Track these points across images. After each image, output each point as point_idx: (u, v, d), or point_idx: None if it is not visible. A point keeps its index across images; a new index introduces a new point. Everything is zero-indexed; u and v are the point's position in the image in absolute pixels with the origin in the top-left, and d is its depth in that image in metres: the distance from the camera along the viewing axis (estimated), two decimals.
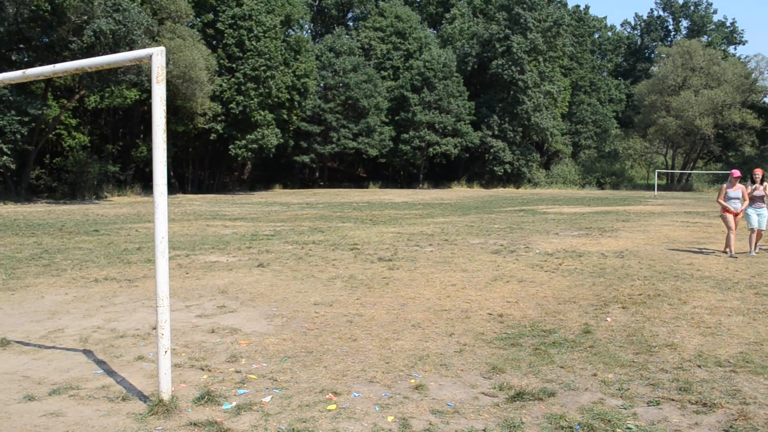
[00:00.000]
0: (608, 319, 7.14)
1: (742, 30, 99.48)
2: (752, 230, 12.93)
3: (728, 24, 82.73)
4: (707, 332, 6.59)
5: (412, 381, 5.07)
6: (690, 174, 64.63)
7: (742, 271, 10.71)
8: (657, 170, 60.88)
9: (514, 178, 60.35)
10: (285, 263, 11.19)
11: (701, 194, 53.20)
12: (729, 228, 12.62)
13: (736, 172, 12.73)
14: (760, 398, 4.72)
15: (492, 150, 58.33)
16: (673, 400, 4.70)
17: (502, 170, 58.88)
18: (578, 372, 5.31)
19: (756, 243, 12.96)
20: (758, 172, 13.14)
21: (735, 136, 64.31)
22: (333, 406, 4.53)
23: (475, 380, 5.12)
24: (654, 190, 53.78)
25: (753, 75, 65.61)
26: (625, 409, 4.53)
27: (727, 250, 12.66)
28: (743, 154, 64.69)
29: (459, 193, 49.54)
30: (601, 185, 62.61)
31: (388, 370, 5.33)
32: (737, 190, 12.74)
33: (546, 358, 5.67)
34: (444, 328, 6.74)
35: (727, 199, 12.72)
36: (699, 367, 5.47)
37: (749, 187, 12.96)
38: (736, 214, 12.61)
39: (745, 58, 74.29)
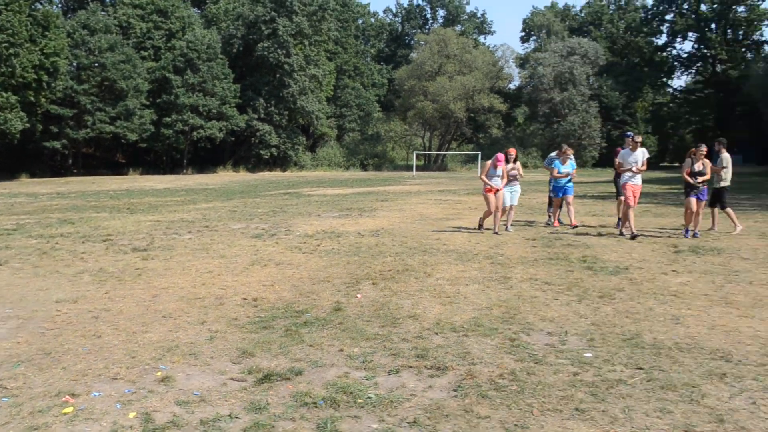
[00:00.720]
0: (359, 295, 7.46)
1: (491, 21, 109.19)
2: (507, 209, 13.94)
3: (479, 15, 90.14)
4: (447, 301, 7.14)
5: (159, 374, 4.92)
6: (445, 155, 69.46)
7: (482, 243, 11.72)
8: (416, 152, 64.43)
9: (281, 162, 60.55)
10: (26, 259, 10.26)
11: (454, 173, 57.50)
12: (489, 206, 13.34)
13: (502, 156, 13.51)
14: (486, 358, 5.23)
15: (258, 133, 57.95)
16: (411, 367, 5.04)
17: (269, 154, 58.82)
18: (326, 349, 5.50)
19: (509, 220, 14.00)
20: (512, 152, 13.97)
21: (484, 119, 70.60)
22: (69, 409, 4.26)
23: (224, 367, 5.09)
24: (413, 170, 56.86)
25: (499, 63, 72.57)
26: (367, 380, 4.76)
27: (492, 226, 13.23)
28: (491, 135, 71.20)
29: (224, 177, 48.69)
30: (364, 167, 64.96)
31: (134, 365, 5.12)
32: (499, 168, 13.53)
33: (296, 338, 5.80)
34: (196, 316, 6.62)
35: (490, 176, 13.30)
36: (436, 334, 5.91)
37: (508, 165, 13.86)
38: (497, 191, 13.22)
39: (493, 47, 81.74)
